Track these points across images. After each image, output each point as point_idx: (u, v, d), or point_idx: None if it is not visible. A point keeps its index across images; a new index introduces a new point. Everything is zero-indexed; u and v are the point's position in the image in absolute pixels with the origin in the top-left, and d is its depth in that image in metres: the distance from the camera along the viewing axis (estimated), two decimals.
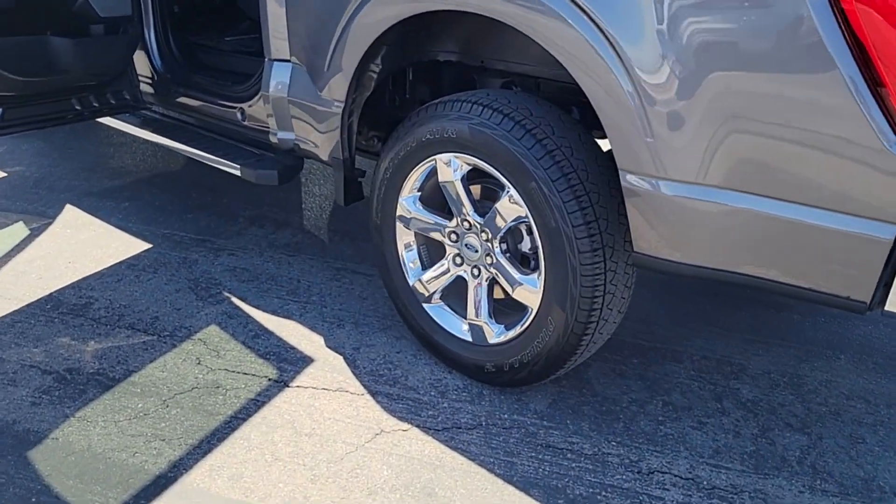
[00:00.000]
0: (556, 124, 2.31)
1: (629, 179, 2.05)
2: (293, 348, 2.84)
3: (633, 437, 2.46)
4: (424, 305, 2.74)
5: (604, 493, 2.22)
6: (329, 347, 2.86)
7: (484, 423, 2.49)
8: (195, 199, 4.17)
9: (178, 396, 2.57)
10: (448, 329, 2.68)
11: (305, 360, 2.77)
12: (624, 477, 2.28)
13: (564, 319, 2.31)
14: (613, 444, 2.42)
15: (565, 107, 2.74)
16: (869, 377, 2.81)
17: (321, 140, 2.90)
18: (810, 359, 2.92)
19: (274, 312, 3.08)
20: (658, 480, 2.27)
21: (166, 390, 2.59)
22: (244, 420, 2.46)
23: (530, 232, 2.47)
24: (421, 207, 2.66)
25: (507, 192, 2.36)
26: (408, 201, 2.68)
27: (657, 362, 2.85)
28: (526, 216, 2.34)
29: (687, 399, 2.65)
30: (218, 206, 4.08)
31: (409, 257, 2.76)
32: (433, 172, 2.58)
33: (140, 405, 2.52)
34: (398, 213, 2.70)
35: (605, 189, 2.28)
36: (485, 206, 2.55)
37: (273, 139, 3.12)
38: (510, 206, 2.37)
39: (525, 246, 2.51)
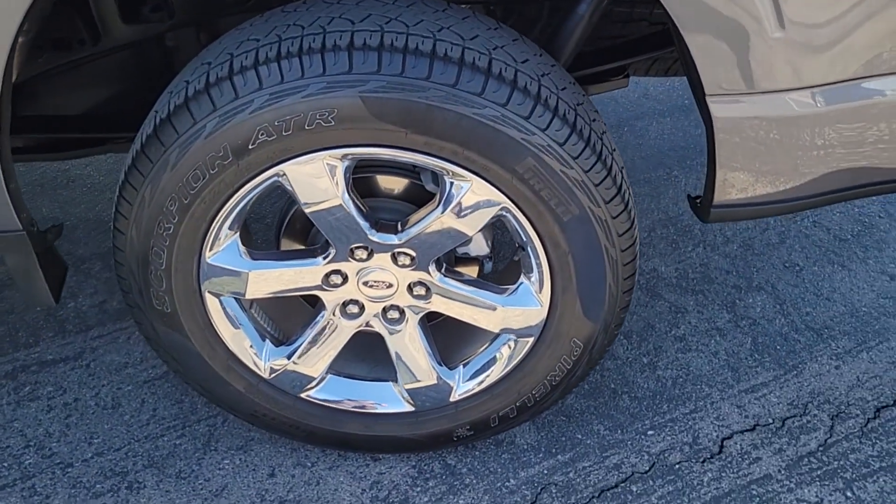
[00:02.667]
0: (505, 41, 1.28)
1: (728, 104, 1.21)
2: None
3: (652, 406, 1.85)
4: (305, 395, 1.60)
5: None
6: None
7: None
8: None
9: None
10: (369, 410, 1.62)
11: None
12: (709, 470, 1.70)
13: (597, 331, 1.49)
14: (650, 432, 1.79)
15: None
16: None
17: None
18: None
19: None
20: (738, 450, 1.74)
21: None
22: None
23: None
24: (251, 259, 1.43)
25: (457, 187, 1.31)
26: (223, 259, 1.40)
27: None
28: (501, 213, 1.35)
29: (641, 319, 2.09)
30: None
31: (247, 340, 1.53)
32: (257, 195, 1.35)
33: None
34: (209, 286, 1.43)
35: (600, 121, 1.39)
36: (376, 209, 1.45)
37: None
38: (470, 208, 1.34)
39: (478, 249, 1.52)
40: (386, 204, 1.48)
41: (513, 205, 1.32)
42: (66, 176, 2.66)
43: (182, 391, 1.88)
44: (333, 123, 1.22)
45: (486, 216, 1.34)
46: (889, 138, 1.25)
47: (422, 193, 1.46)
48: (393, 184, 1.49)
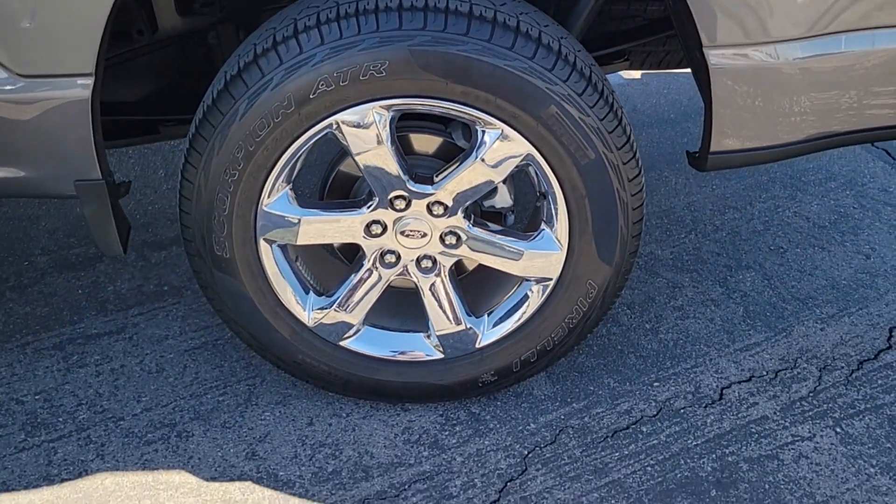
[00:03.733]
0: (528, 10, 1.50)
1: (726, 56, 1.42)
2: None
3: (657, 363, 2.01)
4: (343, 343, 1.76)
5: (721, 443, 1.78)
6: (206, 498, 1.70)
7: (522, 452, 1.77)
8: None
9: None
10: (398, 358, 1.78)
11: None
12: (711, 413, 1.86)
13: (610, 274, 1.66)
14: (656, 383, 1.95)
15: None
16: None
17: (44, 159, 1.50)
18: None
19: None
20: (737, 397, 1.91)
21: None
22: None
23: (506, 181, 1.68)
24: (302, 207, 1.60)
25: (488, 135, 1.51)
26: (278, 206, 1.58)
27: None
28: (526, 163, 1.54)
29: (642, 293, 2.27)
30: None
31: (293, 288, 1.69)
32: (310, 147, 1.53)
33: None
34: (264, 233, 1.60)
35: (609, 82, 1.60)
36: (413, 165, 1.63)
37: None
38: (500, 155, 1.53)
39: (502, 202, 1.70)
40: (421, 161, 1.66)
41: (537, 151, 1.51)
42: None
43: (222, 357, 2.02)
44: (384, 74, 1.41)
45: (513, 163, 1.53)
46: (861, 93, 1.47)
47: (452, 151, 1.65)
48: (427, 143, 1.67)
